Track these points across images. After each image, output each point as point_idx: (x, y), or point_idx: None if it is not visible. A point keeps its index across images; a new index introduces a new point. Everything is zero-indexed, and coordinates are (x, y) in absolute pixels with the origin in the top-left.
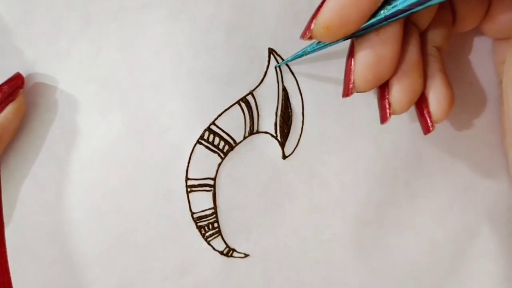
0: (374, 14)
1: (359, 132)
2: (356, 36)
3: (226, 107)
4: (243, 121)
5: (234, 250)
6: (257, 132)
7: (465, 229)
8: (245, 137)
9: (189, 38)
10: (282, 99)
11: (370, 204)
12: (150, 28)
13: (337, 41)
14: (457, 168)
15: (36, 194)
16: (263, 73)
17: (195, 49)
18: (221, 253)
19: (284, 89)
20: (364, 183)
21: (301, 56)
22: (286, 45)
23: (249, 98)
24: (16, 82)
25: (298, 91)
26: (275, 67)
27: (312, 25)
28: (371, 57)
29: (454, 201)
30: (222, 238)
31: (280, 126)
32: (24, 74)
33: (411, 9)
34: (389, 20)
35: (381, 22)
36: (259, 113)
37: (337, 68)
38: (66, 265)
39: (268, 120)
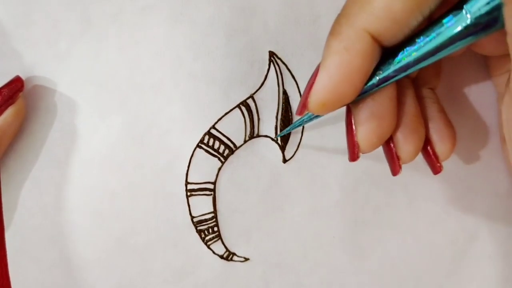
0: (367, 81)
1: None
2: (352, 103)
3: (227, 111)
4: (244, 124)
5: (234, 254)
6: (258, 135)
7: (463, 231)
8: (245, 141)
9: (189, 41)
10: (283, 103)
11: (369, 207)
12: (150, 30)
13: None
14: (456, 171)
15: (36, 197)
16: (263, 77)
17: (195, 51)
18: (221, 257)
19: (285, 93)
20: (364, 187)
21: (298, 126)
22: (286, 48)
23: (250, 101)
24: (16, 85)
25: (298, 94)
26: (276, 138)
27: (308, 103)
28: (371, 122)
29: (453, 204)
30: (222, 242)
31: (280, 130)
32: (23, 77)
33: (402, 73)
34: (382, 85)
35: (374, 88)
36: (260, 117)
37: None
38: (65, 268)
39: (268, 123)
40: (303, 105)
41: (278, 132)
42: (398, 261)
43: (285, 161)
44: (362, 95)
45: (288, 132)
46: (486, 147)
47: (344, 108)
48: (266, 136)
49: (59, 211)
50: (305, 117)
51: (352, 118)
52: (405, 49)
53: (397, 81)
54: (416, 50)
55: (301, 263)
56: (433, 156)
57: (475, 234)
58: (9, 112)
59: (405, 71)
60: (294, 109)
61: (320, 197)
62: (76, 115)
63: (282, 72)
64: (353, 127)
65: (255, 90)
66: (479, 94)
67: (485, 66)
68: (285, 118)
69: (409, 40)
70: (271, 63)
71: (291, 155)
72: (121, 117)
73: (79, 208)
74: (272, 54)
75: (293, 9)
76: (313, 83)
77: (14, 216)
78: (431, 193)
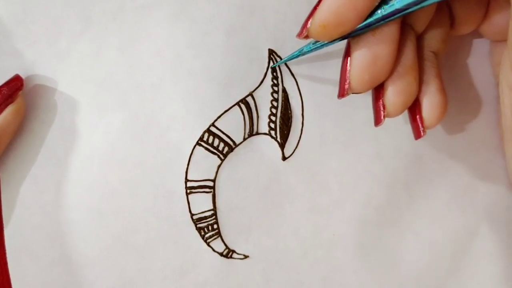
0: (371, 14)
1: (358, 133)
2: (353, 36)
3: (226, 108)
4: (243, 122)
5: (233, 251)
6: (257, 133)
7: (464, 229)
8: (244, 139)
9: (189, 39)
10: (282, 100)
11: (369, 205)
12: (150, 28)
13: (334, 41)
14: (456, 169)
15: (36, 195)
16: (263, 74)
17: (195, 49)
18: (221, 254)
19: (284, 90)
20: (364, 184)
21: (297, 56)
22: (286, 46)
23: (249, 99)
24: (16, 84)
25: (298, 92)
26: (271, 67)
27: (309, 24)
28: (367, 57)
29: (454, 202)
30: (222, 240)
31: (280, 127)
32: (23, 75)
33: (409, 8)
34: (386, 20)
35: (378, 22)
36: (259, 114)
37: (337, 70)
38: (65, 266)
39: (267, 121)
40: (305, 27)
41: (278, 126)
42: (399, 259)
43: (284, 158)
44: (365, 29)
45: (286, 61)
46: (486, 144)
47: (343, 110)
48: (265, 133)
49: (59, 209)
50: (305, 47)
51: (350, 52)
52: None
53: (402, 31)
54: None
55: (301, 260)
56: (418, 120)
57: (476, 231)
58: (8, 110)
59: (413, 5)
60: (293, 107)
61: (320, 194)
62: (76, 113)
63: (282, 69)
64: (348, 61)
65: (254, 88)
66: (479, 90)
67: (487, 61)
68: (285, 115)
69: None
70: (271, 61)
71: (290, 153)
72: (121, 115)
73: (79, 206)
74: (271, 52)
75: (292, 6)
76: (318, 5)
77: (14, 214)
78: (431, 191)
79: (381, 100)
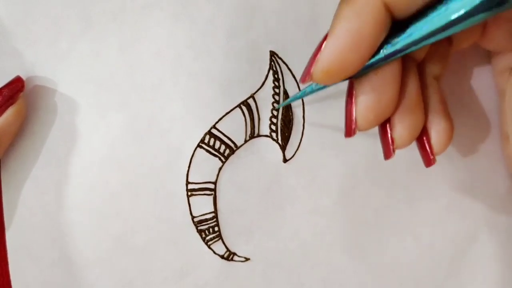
0: (373, 55)
1: (358, 135)
2: (356, 77)
3: (227, 110)
4: (244, 124)
5: (234, 254)
6: (258, 135)
7: (463, 232)
8: (246, 141)
9: (190, 40)
10: None
11: (369, 207)
12: (150, 29)
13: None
14: (456, 171)
15: (37, 196)
16: (264, 76)
17: (195, 50)
18: (222, 257)
19: (286, 92)
20: (364, 187)
21: (300, 97)
22: (287, 47)
23: (250, 101)
24: (16, 86)
25: None
26: (276, 109)
27: (312, 70)
28: (371, 98)
29: (453, 204)
30: (223, 242)
31: (281, 130)
32: (23, 76)
33: (411, 47)
34: (388, 60)
35: (380, 62)
36: (260, 117)
37: None
38: (66, 267)
39: (269, 123)
40: (307, 73)
41: (279, 128)
42: (398, 261)
43: (285, 160)
44: (367, 69)
45: (289, 103)
46: (486, 147)
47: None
48: (266, 135)
49: (60, 210)
50: (308, 88)
51: (353, 92)
52: (416, 23)
53: (402, 63)
54: (428, 24)
55: (302, 263)
56: (427, 147)
57: (475, 234)
58: (9, 112)
59: (414, 45)
60: (294, 109)
61: (321, 197)
62: (77, 114)
63: (283, 71)
64: (353, 101)
65: (255, 90)
66: (481, 93)
67: (488, 66)
68: (286, 118)
69: (420, 14)
70: (272, 63)
71: (291, 155)
72: (121, 116)
73: (80, 207)
74: (272, 53)
75: (293, 8)
76: (319, 50)
77: (15, 215)
78: (431, 193)
79: (389, 134)
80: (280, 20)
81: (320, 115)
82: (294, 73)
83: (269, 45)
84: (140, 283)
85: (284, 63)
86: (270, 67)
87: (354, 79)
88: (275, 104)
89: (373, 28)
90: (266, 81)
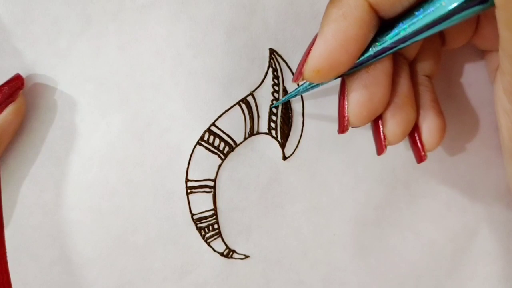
0: (362, 52)
1: (358, 133)
2: (347, 75)
3: (227, 108)
4: (244, 122)
5: (234, 251)
6: (258, 133)
7: (464, 229)
8: (245, 138)
9: (189, 38)
10: None
11: (369, 204)
12: (150, 28)
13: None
14: (456, 168)
15: (36, 195)
16: (263, 74)
17: (195, 49)
18: (221, 254)
19: (285, 90)
20: (364, 184)
21: (294, 96)
22: (286, 45)
23: (250, 98)
24: (16, 83)
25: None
26: (271, 108)
27: (303, 70)
28: (363, 95)
29: (453, 201)
30: (222, 240)
31: (280, 127)
32: (23, 75)
33: (399, 45)
34: (378, 57)
35: (370, 60)
36: (260, 114)
37: None
38: (65, 266)
39: (268, 120)
40: (299, 72)
41: (278, 126)
42: (399, 259)
43: (285, 158)
44: (358, 67)
45: (284, 102)
46: (486, 144)
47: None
48: (266, 133)
49: (59, 208)
50: (301, 87)
51: (345, 89)
52: (403, 21)
53: (394, 60)
54: (414, 23)
55: (301, 260)
56: (419, 144)
57: (476, 231)
58: (9, 110)
59: (402, 42)
60: (294, 107)
61: (320, 194)
62: (76, 113)
63: (282, 69)
64: (345, 98)
65: (255, 87)
66: (478, 90)
67: (484, 63)
68: (285, 115)
69: (407, 13)
70: (271, 60)
71: (291, 153)
72: (121, 114)
73: (79, 206)
74: (272, 51)
75: (293, 6)
76: (310, 50)
77: (14, 213)
78: (431, 191)
79: (381, 130)
80: (279, 18)
81: (320, 112)
82: (293, 70)
83: (269, 43)
84: (140, 281)
85: (284, 60)
86: (270, 65)
87: (346, 76)
88: (275, 102)
89: (359, 28)
90: (266, 78)
